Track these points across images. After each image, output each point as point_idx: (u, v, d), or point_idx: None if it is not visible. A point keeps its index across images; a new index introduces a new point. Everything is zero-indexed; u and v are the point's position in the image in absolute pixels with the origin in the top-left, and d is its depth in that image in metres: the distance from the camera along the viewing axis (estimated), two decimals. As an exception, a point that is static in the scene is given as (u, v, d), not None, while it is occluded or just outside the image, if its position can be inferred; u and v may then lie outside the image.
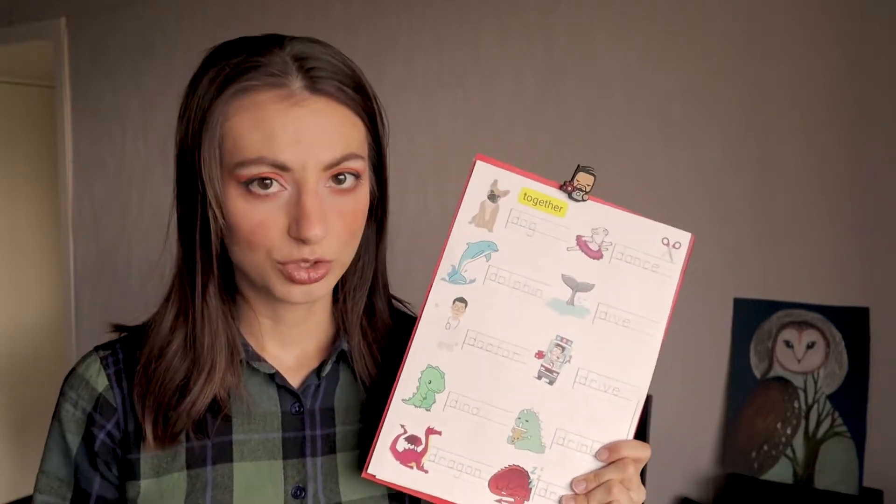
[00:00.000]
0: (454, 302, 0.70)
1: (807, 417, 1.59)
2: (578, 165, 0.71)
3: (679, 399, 1.73)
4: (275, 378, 0.73)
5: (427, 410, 0.68)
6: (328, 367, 0.74)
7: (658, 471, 1.74)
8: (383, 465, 0.68)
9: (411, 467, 0.68)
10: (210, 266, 0.68)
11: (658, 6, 1.74)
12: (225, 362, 0.70)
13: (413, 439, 0.68)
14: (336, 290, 0.77)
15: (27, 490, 3.69)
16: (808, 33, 1.60)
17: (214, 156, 0.64)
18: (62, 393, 0.73)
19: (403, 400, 0.69)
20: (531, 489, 0.67)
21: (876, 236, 1.56)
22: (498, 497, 0.67)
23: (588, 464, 0.68)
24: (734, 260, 1.68)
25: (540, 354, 0.69)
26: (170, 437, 0.69)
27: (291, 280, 0.65)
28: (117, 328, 0.77)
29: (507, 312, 0.69)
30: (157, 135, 2.61)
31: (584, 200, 0.70)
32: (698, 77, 1.71)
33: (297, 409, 0.73)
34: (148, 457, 0.70)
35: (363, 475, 0.68)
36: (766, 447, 1.62)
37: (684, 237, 0.71)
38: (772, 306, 1.65)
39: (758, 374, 1.65)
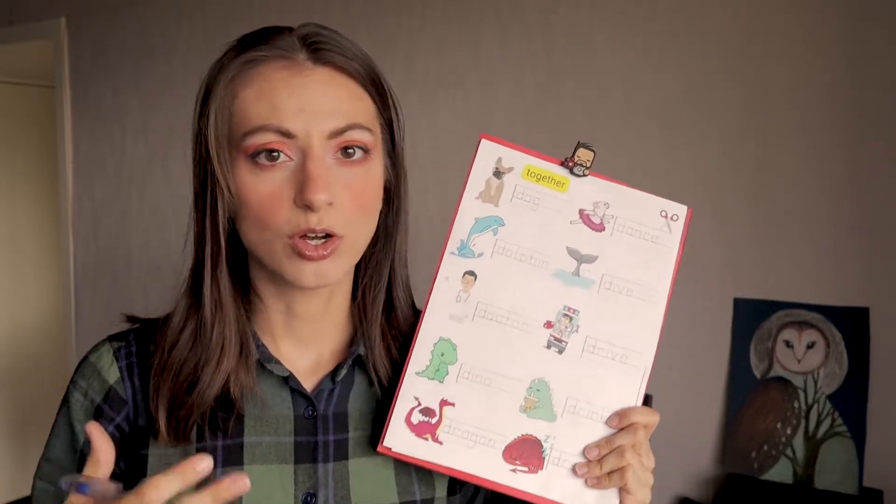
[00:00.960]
0: (464, 275, 0.71)
1: (807, 417, 1.59)
2: (578, 142, 0.73)
3: (679, 399, 1.73)
4: (288, 381, 0.72)
5: (440, 382, 0.69)
6: (343, 372, 0.73)
7: (658, 471, 1.74)
8: (398, 438, 0.68)
9: (426, 439, 0.68)
10: (219, 246, 0.68)
11: (658, 6, 1.74)
12: (235, 355, 0.69)
13: (427, 411, 0.69)
14: (354, 289, 0.76)
15: (27, 490, 3.69)
16: (808, 33, 1.60)
17: (223, 131, 0.65)
18: (73, 380, 0.73)
19: (417, 373, 0.70)
20: (545, 458, 0.68)
21: (876, 236, 1.56)
22: (512, 466, 0.68)
23: (599, 431, 0.69)
24: (734, 260, 1.68)
25: (549, 324, 0.70)
26: (182, 432, 0.68)
27: (301, 255, 0.64)
28: (130, 319, 0.76)
29: (516, 284, 0.70)
30: (157, 135, 2.61)
31: (585, 175, 0.73)
32: (698, 77, 1.70)
33: (311, 413, 0.72)
34: (158, 453, 0.69)
35: (378, 449, 0.69)
36: (766, 447, 1.62)
37: (681, 210, 0.74)
38: (772, 306, 1.65)
39: (758, 374, 1.65)
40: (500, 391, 0.69)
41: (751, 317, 1.66)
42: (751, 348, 1.66)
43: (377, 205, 0.70)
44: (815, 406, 1.58)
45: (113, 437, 0.69)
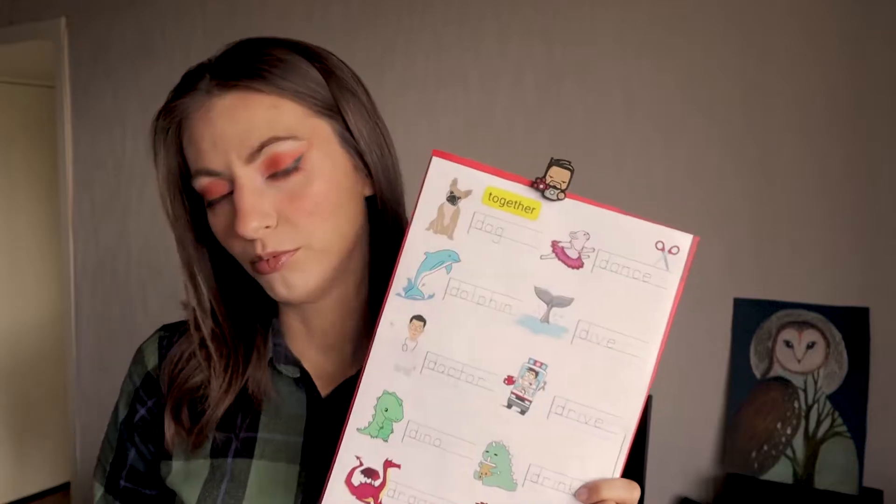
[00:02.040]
0: (411, 320, 0.61)
1: (807, 417, 1.59)
2: (552, 158, 0.60)
3: (679, 399, 1.73)
4: (300, 383, 0.72)
5: (384, 441, 0.61)
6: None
7: (658, 471, 1.74)
8: (338, 501, 0.61)
9: (368, 503, 0.61)
10: (194, 272, 0.72)
11: (658, 6, 1.74)
12: (237, 370, 0.71)
13: (370, 472, 0.61)
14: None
15: (27, 490, 3.69)
16: (808, 33, 1.60)
17: (174, 176, 0.71)
18: (129, 366, 0.78)
19: (358, 429, 0.62)
20: None
21: (876, 236, 1.56)
22: None
23: None
24: (734, 260, 1.68)
25: (510, 380, 0.60)
26: (192, 447, 0.71)
27: (263, 272, 0.66)
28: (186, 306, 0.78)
29: (472, 332, 0.61)
30: (157, 135, 2.61)
31: (559, 199, 0.60)
32: (698, 77, 1.70)
33: (322, 416, 0.72)
34: (179, 440, 0.73)
35: None
36: (766, 447, 1.62)
37: (684, 240, 0.60)
38: (772, 306, 1.65)
39: (758, 374, 1.65)
40: (453, 454, 0.60)
41: (751, 317, 1.66)
42: (751, 348, 1.66)
43: (336, 204, 0.66)
44: (815, 406, 1.58)
45: (144, 419, 0.75)
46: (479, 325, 0.61)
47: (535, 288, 0.61)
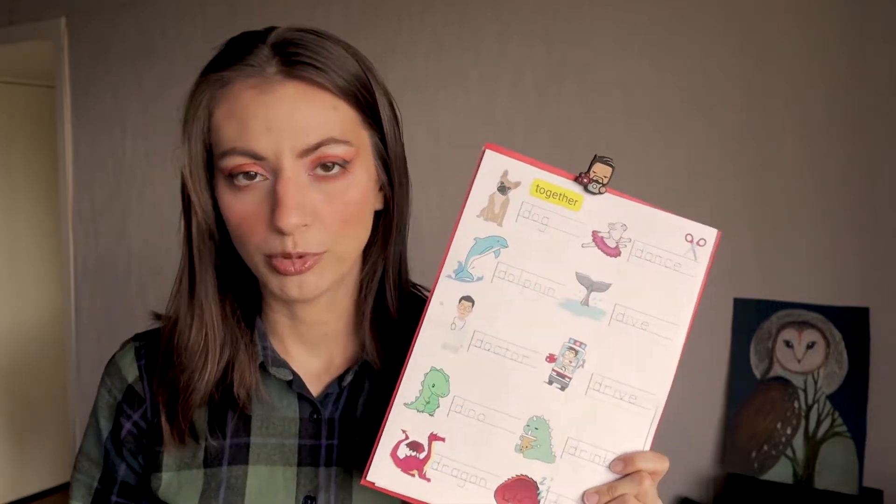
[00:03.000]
0: (460, 301, 0.65)
1: (807, 417, 1.59)
2: (595, 155, 0.66)
3: (679, 399, 1.72)
4: (292, 385, 0.72)
5: (430, 415, 0.64)
6: (350, 377, 0.72)
7: (658, 471, 1.74)
8: (383, 473, 0.64)
9: (413, 475, 0.64)
10: (193, 259, 0.70)
11: (658, 6, 1.74)
12: (218, 360, 0.70)
13: (415, 445, 0.64)
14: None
15: (27, 490, 3.69)
16: (808, 33, 1.60)
17: (198, 152, 0.66)
18: (102, 378, 0.77)
19: (405, 404, 0.65)
20: (540, 501, 0.63)
21: (876, 236, 1.56)
22: None
23: (601, 475, 0.64)
24: (734, 260, 1.68)
25: (551, 358, 0.64)
26: (178, 434, 0.70)
27: (279, 272, 0.64)
28: (158, 317, 0.77)
29: (517, 313, 0.65)
30: (157, 135, 2.61)
31: (600, 193, 0.66)
32: (698, 77, 1.71)
33: (315, 416, 0.72)
34: (171, 451, 0.72)
35: (362, 482, 0.65)
36: (766, 447, 1.62)
37: (710, 233, 0.66)
38: (772, 306, 1.65)
39: (758, 374, 1.65)
40: (495, 428, 0.64)
41: (751, 317, 1.66)
42: (751, 348, 1.66)
43: (364, 214, 0.68)
44: (815, 406, 1.58)
45: (131, 433, 0.73)
46: (524, 307, 0.65)
47: (577, 273, 0.65)
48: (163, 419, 0.70)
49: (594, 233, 0.66)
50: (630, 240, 0.66)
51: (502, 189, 0.66)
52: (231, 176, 0.64)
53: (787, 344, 1.62)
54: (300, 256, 0.63)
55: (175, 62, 2.53)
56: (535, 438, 0.64)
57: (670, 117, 1.74)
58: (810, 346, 1.60)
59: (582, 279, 0.65)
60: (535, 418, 0.64)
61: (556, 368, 0.65)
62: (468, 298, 0.65)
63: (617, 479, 0.64)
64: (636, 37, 1.77)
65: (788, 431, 1.60)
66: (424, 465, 0.64)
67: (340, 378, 0.73)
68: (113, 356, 0.77)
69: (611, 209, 0.66)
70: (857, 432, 1.54)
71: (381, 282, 0.74)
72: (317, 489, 0.70)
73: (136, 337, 0.77)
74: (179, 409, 0.70)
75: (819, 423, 1.58)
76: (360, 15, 2.14)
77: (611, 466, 0.64)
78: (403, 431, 0.64)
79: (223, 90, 0.64)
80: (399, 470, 0.64)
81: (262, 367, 0.72)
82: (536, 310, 0.65)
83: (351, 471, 0.71)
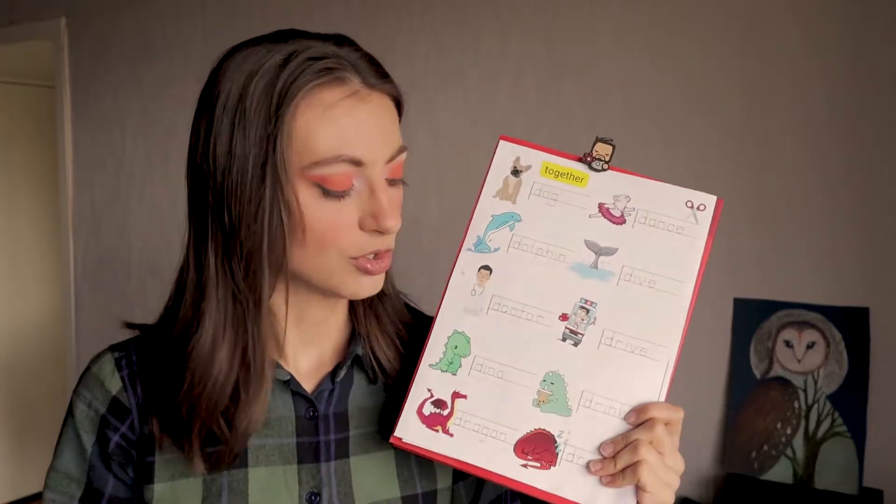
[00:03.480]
0: (479, 269, 0.71)
1: (807, 417, 1.59)
2: (597, 136, 0.73)
3: (679, 399, 1.72)
4: (289, 384, 0.72)
5: (453, 375, 0.69)
6: (343, 372, 0.73)
7: (658, 471, 1.74)
8: (410, 429, 0.68)
9: (437, 431, 0.68)
10: (269, 279, 0.65)
11: (658, 6, 1.74)
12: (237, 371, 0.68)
13: (439, 403, 0.68)
14: None
15: (27, 490, 3.69)
16: (808, 33, 1.60)
17: (287, 157, 0.62)
18: (76, 392, 0.73)
19: (430, 365, 0.69)
20: (558, 453, 0.66)
21: (876, 236, 1.56)
22: (524, 462, 0.66)
23: (616, 427, 0.66)
24: (734, 260, 1.68)
25: (564, 317, 0.69)
26: (228, 461, 0.68)
27: (366, 272, 0.67)
28: (130, 326, 0.76)
29: (531, 277, 0.70)
30: (157, 135, 2.61)
31: (604, 170, 0.72)
32: (698, 77, 1.71)
33: (312, 414, 0.72)
34: (163, 460, 0.69)
35: (390, 440, 0.68)
36: (766, 447, 1.62)
37: (710, 200, 0.72)
38: (772, 306, 1.65)
39: (758, 374, 1.65)
40: (514, 384, 0.68)
41: (751, 317, 1.66)
42: (751, 348, 1.66)
43: None
44: (815, 406, 1.58)
45: (119, 446, 0.70)
46: (538, 272, 0.70)
47: (585, 241, 0.70)
48: (197, 454, 0.66)
49: (600, 204, 0.71)
50: (634, 209, 0.71)
51: (515, 172, 0.73)
52: (320, 183, 0.63)
53: (787, 344, 1.62)
54: (382, 255, 0.67)
55: (175, 62, 2.53)
56: (552, 393, 0.67)
57: (670, 117, 1.74)
58: (810, 346, 1.60)
59: (590, 245, 0.70)
60: (550, 373, 0.68)
61: (568, 326, 0.68)
62: (486, 267, 0.71)
63: (630, 429, 0.66)
64: (636, 37, 1.77)
65: (788, 431, 1.60)
66: (448, 421, 0.68)
67: (333, 374, 0.73)
68: (88, 368, 0.73)
69: (614, 183, 0.72)
70: (857, 432, 1.54)
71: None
72: (319, 485, 0.70)
73: (113, 348, 0.74)
74: (231, 439, 0.67)
75: (819, 423, 1.58)
76: (361, 15, 2.14)
77: (625, 417, 0.66)
78: (429, 390, 0.69)
79: (312, 97, 0.63)
80: (424, 426, 0.68)
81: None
82: (549, 274, 0.70)
83: (349, 464, 0.72)
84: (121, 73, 2.69)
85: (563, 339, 0.68)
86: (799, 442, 1.59)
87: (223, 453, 0.67)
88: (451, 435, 0.67)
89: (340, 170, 0.63)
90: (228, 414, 0.67)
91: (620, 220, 0.71)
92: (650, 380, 0.67)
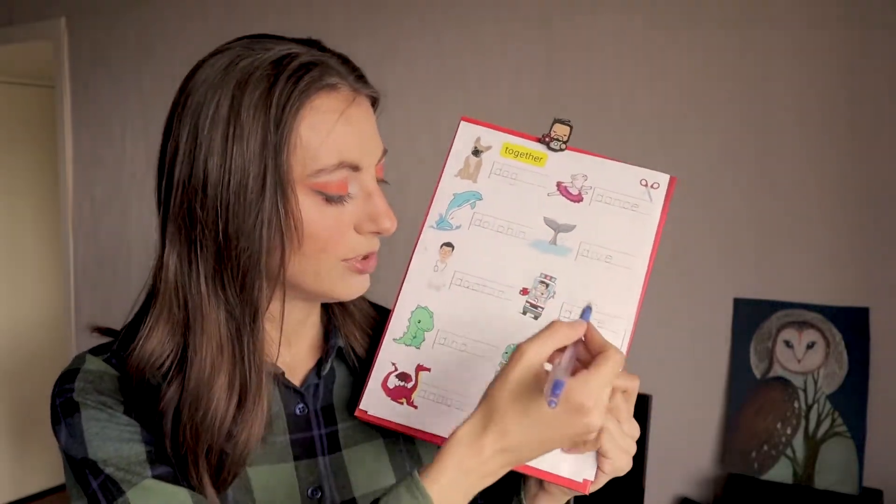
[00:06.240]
0: (441, 246, 0.73)
1: (807, 417, 1.59)
2: (554, 118, 0.75)
3: (679, 399, 1.73)
4: (280, 379, 0.71)
5: (417, 349, 0.70)
6: (328, 366, 0.74)
7: (658, 471, 1.74)
8: (374, 402, 0.70)
9: (401, 403, 0.69)
10: (267, 291, 0.64)
11: (658, 7, 1.74)
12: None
13: (403, 376, 0.70)
14: None
15: (27, 490, 3.69)
16: (808, 33, 1.60)
17: (290, 167, 0.61)
18: (68, 389, 0.64)
19: (394, 339, 0.71)
20: None
21: (876, 236, 1.56)
22: None
23: None
24: (734, 260, 1.68)
25: (524, 291, 0.70)
26: (232, 478, 0.65)
27: (359, 272, 0.68)
28: (101, 331, 0.71)
29: (492, 254, 0.71)
30: (157, 134, 2.60)
31: (562, 150, 0.74)
32: (698, 77, 1.71)
33: (302, 409, 0.72)
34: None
35: (355, 413, 0.70)
36: (766, 447, 1.62)
37: (662, 178, 0.73)
38: (772, 306, 1.65)
39: (758, 374, 1.65)
40: (476, 357, 0.69)
41: (751, 317, 1.66)
42: (751, 348, 1.66)
43: None
44: (815, 406, 1.59)
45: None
46: (498, 248, 0.71)
47: (544, 218, 0.72)
48: (205, 476, 0.63)
49: (558, 183, 0.73)
50: (591, 187, 0.73)
51: (476, 152, 0.75)
52: (323, 191, 0.63)
53: (787, 344, 1.62)
54: (368, 256, 0.68)
55: (175, 62, 2.53)
56: None
57: (670, 118, 1.73)
58: (810, 346, 1.60)
59: (549, 222, 0.72)
60: (511, 346, 0.68)
61: (529, 300, 0.70)
62: (448, 244, 0.73)
63: None
64: (636, 37, 1.77)
65: (788, 431, 1.60)
66: (412, 393, 0.69)
67: (318, 368, 0.74)
68: (75, 368, 0.65)
69: (572, 163, 0.74)
70: (857, 432, 1.54)
71: None
72: (319, 478, 0.71)
73: (93, 351, 0.68)
74: (229, 461, 0.63)
75: (819, 423, 1.58)
76: (361, 15, 2.14)
77: None
78: (393, 364, 0.70)
79: (307, 100, 0.62)
80: (389, 399, 0.69)
81: None
82: (509, 250, 0.71)
83: (342, 456, 0.72)
84: (121, 73, 2.69)
85: (524, 313, 0.70)
86: (799, 442, 1.59)
87: (228, 469, 0.63)
88: (416, 407, 0.69)
89: (341, 176, 0.64)
90: (231, 432, 0.63)
91: (578, 198, 0.72)
92: None
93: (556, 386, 0.53)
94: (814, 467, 1.57)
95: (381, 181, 0.69)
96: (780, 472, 1.60)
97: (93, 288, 2.84)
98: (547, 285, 0.70)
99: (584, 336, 0.61)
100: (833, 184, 1.59)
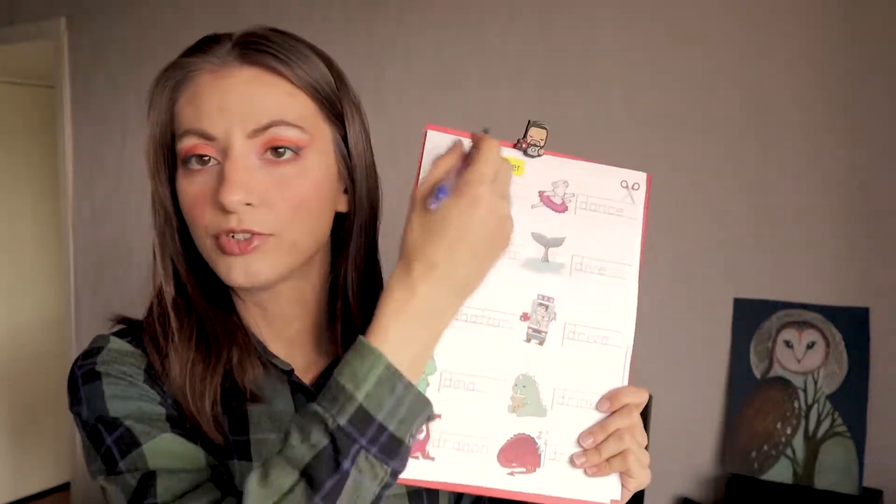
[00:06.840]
0: None
1: (807, 417, 1.59)
2: (529, 120, 0.69)
3: (679, 399, 1.73)
4: (290, 376, 0.71)
5: None
6: None
7: (658, 471, 1.74)
8: None
9: (417, 458, 0.64)
10: (165, 250, 0.73)
11: (658, 6, 1.74)
12: (218, 353, 0.69)
13: None
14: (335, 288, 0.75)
15: (27, 490, 3.69)
16: (808, 34, 1.60)
17: (161, 141, 0.69)
18: (90, 363, 0.67)
19: None
20: (540, 455, 0.66)
21: (876, 236, 1.56)
22: (509, 470, 0.65)
23: (591, 418, 0.66)
24: (734, 260, 1.68)
25: (525, 316, 0.67)
26: (219, 428, 0.68)
27: (223, 251, 0.65)
28: (121, 320, 0.75)
29: (486, 280, 0.65)
30: (157, 135, 2.61)
31: (539, 156, 0.69)
32: (698, 77, 1.71)
33: None
34: None
35: None
36: (766, 447, 1.62)
37: (641, 177, 0.71)
38: (772, 306, 1.65)
39: (758, 374, 1.65)
40: (486, 394, 0.65)
41: (751, 317, 1.66)
42: (751, 348, 1.66)
43: (317, 204, 0.68)
44: (815, 406, 1.59)
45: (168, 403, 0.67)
46: (491, 273, 0.65)
47: (532, 233, 0.68)
48: (203, 421, 0.67)
49: (540, 193, 0.69)
50: (574, 194, 0.70)
51: None
52: (185, 160, 0.66)
53: (787, 344, 1.63)
54: (246, 238, 0.64)
55: (175, 62, 2.53)
56: (525, 396, 0.66)
57: (670, 117, 1.74)
58: (810, 346, 1.60)
59: (538, 238, 0.68)
60: (521, 377, 0.66)
61: (531, 326, 0.67)
62: None
63: (606, 418, 0.66)
64: (636, 37, 1.77)
65: (788, 431, 1.60)
66: (426, 445, 0.65)
67: (330, 369, 0.73)
68: (99, 346, 0.69)
69: (551, 169, 0.70)
70: (857, 432, 1.54)
71: (345, 286, 0.74)
72: None
73: (116, 334, 0.73)
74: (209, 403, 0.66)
75: (819, 423, 1.58)
76: (361, 14, 2.13)
77: (598, 407, 0.66)
78: None
79: (186, 80, 0.67)
80: None
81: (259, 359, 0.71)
82: (502, 274, 0.66)
83: None
84: (121, 73, 2.69)
85: (528, 340, 0.67)
86: (799, 442, 1.59)
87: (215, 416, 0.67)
88: (432, 458, 0.65)
89: (192, 142, 0.65)
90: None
91: (562, 208, 0.69)
92: (614, 366, 0.68)
93: (440, 190, 0.54)
94: (814, 467, 1.57)
95: (285, 158, 0.65)
96: (780, 472, 1.60)
97: (93, 288, 2.84)
98: (546, 307, 0.67)
99: (464, 154, 0.61)
100: (833, 184, 1.59)
